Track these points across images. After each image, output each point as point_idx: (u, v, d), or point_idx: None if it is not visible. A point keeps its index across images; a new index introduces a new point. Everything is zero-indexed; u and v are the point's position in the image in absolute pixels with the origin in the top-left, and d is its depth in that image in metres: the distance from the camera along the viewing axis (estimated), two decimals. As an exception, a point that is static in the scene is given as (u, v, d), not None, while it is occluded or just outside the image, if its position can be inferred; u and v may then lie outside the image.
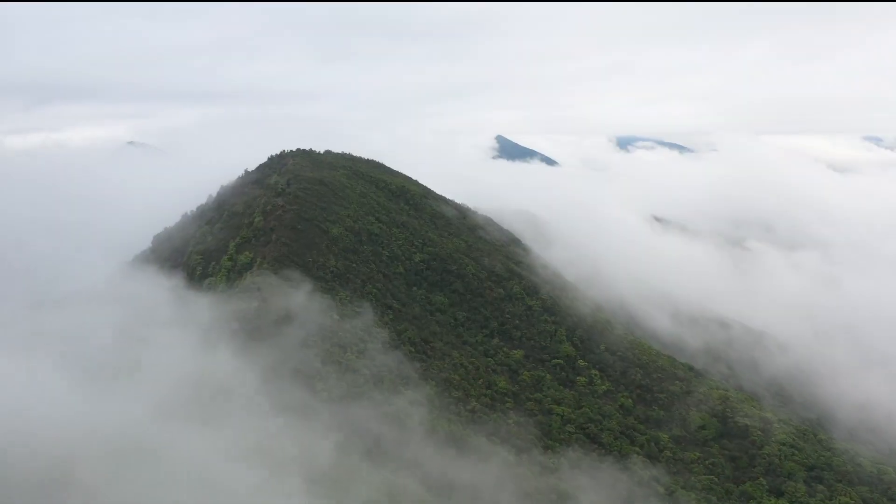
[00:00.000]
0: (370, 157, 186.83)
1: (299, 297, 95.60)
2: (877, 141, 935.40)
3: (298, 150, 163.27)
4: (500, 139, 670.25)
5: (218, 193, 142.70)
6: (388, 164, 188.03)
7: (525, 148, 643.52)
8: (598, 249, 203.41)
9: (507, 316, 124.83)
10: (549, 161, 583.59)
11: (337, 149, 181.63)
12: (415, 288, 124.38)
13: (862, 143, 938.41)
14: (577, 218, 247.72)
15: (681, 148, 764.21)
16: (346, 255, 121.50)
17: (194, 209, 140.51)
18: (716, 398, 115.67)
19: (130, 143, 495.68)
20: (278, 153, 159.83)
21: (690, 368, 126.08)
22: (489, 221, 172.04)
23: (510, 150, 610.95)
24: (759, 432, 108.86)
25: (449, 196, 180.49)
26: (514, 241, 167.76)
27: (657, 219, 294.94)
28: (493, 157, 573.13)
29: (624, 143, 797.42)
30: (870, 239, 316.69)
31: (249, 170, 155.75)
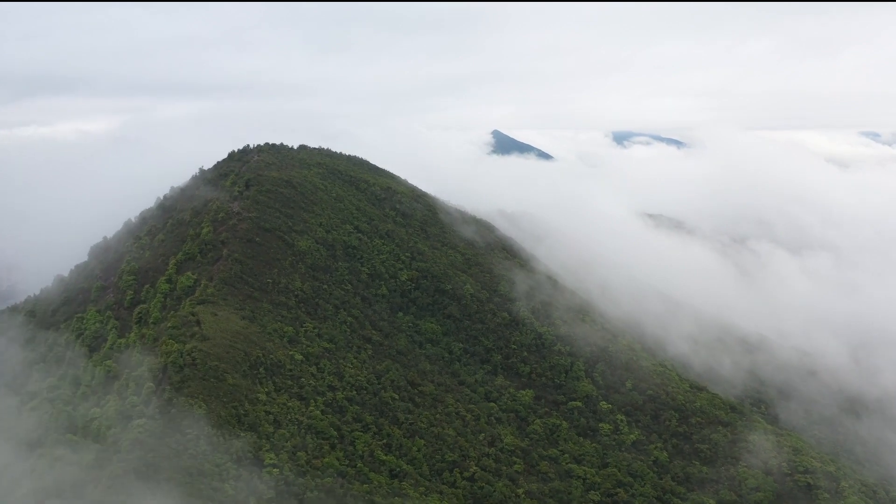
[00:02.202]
0: (362, 154, 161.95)
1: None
2: (874, 136, 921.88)
3: (266, 144, 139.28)
4: (496, 134, 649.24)
5: (165, 196, 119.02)
6: (380, 161, 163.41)
7: (521, 143, 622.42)
8: (603, 254, 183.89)
9: (514, 347, 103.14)
10: (545, 156, 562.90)
11: (326, 145, 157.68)
12: (401, 313, 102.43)
13: (859, 139, 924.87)
14: (577, 219, 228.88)
15: (678, 143, 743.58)
16: (315, 273, 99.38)
17: (136, 216, 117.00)
18: (769, 448, 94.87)
19: (120, 138, 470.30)
20: (241, 148, 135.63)
21: (733, 408, 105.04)
22: (488, 226, 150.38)
23: (506, 145, 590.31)
24: (826, 494, 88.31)
25: (444, 195, 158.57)
26: (515, 251, 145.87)
27: (656, 217, 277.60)
28: (489, 153, 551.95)
29: (620, 139, 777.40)
30: (878, 241, 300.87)
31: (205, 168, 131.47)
